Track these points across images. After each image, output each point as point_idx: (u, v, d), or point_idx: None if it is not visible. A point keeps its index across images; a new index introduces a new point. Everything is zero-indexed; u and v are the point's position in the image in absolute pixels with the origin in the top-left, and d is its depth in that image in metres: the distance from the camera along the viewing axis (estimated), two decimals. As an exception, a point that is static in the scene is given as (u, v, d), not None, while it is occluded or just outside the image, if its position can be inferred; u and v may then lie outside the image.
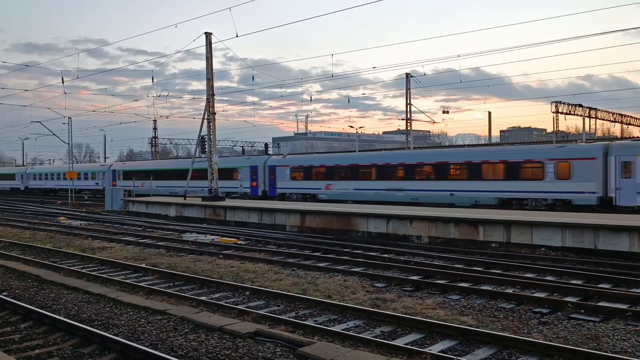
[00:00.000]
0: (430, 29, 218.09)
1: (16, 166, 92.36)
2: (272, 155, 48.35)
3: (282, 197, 35.70)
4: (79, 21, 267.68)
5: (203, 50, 32.46)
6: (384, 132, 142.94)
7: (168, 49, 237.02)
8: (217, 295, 11.18)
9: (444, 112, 61.79)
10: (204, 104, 31.61)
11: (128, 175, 48.01)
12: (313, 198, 34.05)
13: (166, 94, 50.58)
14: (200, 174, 36.36)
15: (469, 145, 54.44)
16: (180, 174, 40.96)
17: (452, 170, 27.88)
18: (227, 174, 38.45)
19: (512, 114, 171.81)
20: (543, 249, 16.31)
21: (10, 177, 68.94)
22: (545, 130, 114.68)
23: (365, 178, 31.49)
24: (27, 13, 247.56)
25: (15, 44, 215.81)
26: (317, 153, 57.76)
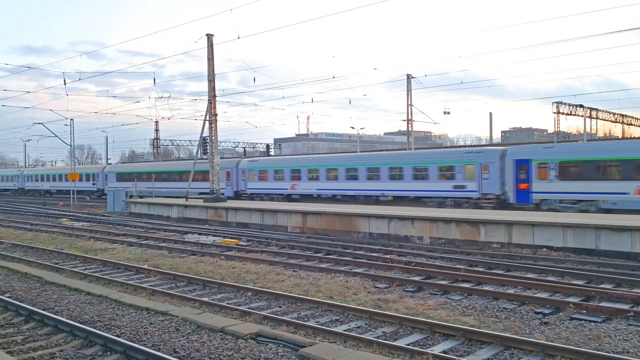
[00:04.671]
0: (430, 30, 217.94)
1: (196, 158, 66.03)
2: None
3: None
4: (76, 23, 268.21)
5: (200, 52, 32.60)
6: (385, 133, 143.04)
7: (166, 50, 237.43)
8: (219, 296, 11.20)
9: (445, 113, 61.59)
10: (203, 105, 31.80)
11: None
12: None
13: (167, 95, 50.27)
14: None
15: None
16: None
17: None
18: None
19: (507, 115, 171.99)
20: (544, 249, 16.30)
21: (179, 176, 43.21)
22: (546, 130, 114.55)
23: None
24: (24, 15, 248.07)
25: (13, 45, 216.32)
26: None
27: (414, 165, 28.74)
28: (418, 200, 28.08)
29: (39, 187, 63.12)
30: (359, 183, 30.66)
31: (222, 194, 36.85)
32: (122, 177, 50.86)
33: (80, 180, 54.30)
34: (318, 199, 32.73)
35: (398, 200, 28.63)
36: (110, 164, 69.65)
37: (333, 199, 32.08)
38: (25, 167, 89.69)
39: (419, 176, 28.24)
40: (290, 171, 35.08)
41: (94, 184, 54.64)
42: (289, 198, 34.78)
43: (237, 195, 38.56)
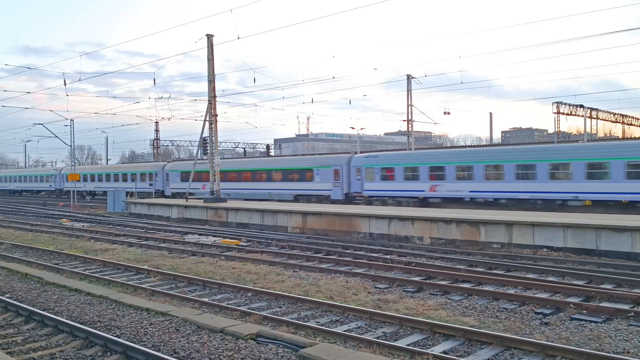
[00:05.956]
0: (430, 30, 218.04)
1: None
2: None
3: None
4: (76, 23, 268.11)
5: (200, 52, 32.64)
6: (385, 134, 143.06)
7: (166, 51, 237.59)
8: (219, 296, 11.20)
9: (445, 113, 61.36)
10: (203, 105, 31.85)
11: None
12: None
13: (167, 96, 49.93)
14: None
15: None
16: None
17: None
18: None
19: (507, 115, 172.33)
20: (545, 249, 16.29)
21: (267, 174, 37.82)
22: (546, 130, 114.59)
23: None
24: (23, 15, 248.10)
25: (13, 46, 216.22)
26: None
27: (627, 160, 21.84)
28: (633, 207, 21.45)
29: (81, 188, 54.73)
30: (536, 184, 24.27)
31: (328, 196, 32.29)
32: (188, 176, 41.68)
33: (134, 180, 49.96)
34: (471, 203, 26.14)
35: (599, 205, 22.29)
36: (171, 161, 61.11)
37: (495, 203, 25.40)
38: (26, 167, 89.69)
39: (635, 174, 21.70)
40: (429, 168, 27.95)
41: (151, 185, 47.80)
42: (425, 202, 27.83)
43: (349, 199, 31.81)
